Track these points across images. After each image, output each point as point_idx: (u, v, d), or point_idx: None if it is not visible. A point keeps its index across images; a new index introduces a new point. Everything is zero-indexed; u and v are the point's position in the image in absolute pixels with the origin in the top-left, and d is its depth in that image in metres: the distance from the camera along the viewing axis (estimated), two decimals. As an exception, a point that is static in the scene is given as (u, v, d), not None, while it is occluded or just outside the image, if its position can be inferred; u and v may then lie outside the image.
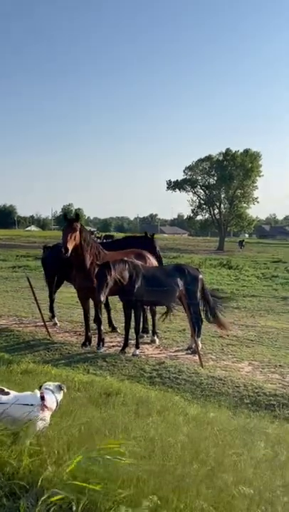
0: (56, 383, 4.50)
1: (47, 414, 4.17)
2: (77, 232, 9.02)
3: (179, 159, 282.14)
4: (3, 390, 4.29)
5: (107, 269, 8.42)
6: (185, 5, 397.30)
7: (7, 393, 4.24)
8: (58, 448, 3.84)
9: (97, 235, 66.46)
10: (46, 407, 4.17)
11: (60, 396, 4.39)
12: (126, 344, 9.26)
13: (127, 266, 8.79)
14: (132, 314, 9.30)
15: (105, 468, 3.40)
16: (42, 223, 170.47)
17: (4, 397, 4.16)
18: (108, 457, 3.62)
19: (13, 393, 4.28)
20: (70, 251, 8.84)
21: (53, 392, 4.32)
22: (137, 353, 9.06)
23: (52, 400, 4.26)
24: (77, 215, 9.48)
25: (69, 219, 9.18)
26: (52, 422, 4.21)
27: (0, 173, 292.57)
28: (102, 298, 8.51)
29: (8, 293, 16.60)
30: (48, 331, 10.39)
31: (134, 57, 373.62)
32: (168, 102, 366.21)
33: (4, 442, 3.71)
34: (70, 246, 8.85)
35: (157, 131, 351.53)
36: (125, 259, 8.99)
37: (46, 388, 4.33)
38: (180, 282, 9.12)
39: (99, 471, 3.33)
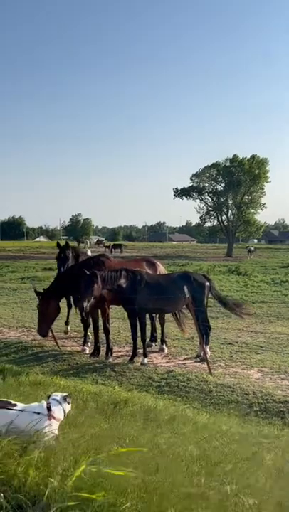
0: (63, 394, 4.49)
1: (54, 425, 4.16)
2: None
3: (186, 167, 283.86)
4: (10, 402, 4.30)
5: (94, 278, 8.44)
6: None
7: (14, 405, 4.24)
8: (64, 460, 3.83)
9: (106, 244, 66.83)
10: (53, 417, 4.16)
11: (67, 406, 4.38)
12: (134, 353, 9.24)
13: (123, 275, 8.80)
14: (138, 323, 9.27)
15: (111, 479, 3.39)
16: (51, 234, 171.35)
17: (12, 410, 4.16)
18: (114, 468, 3.62)
19: (20, 405, 4.28)
20: None
21: (59, 402, 4.31)
22: (145, 361, 9.04)
23: (59, 410, 4.26)
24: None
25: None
26: (59, 433, 4.21)
27: (8, 185, 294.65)
28: (85, 305, 8.52)
29: (17, 304, 16.64)
30: (56, 342, 10.41)
31: (134, 61, 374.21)
32: (175, 106, 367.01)
33: (11, 454, 3.70)
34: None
35: (165, 138, 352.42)
36: (124, 267, 9.06)
37: (53, 399, 4.33)
38: (186, 290, 9.07)
39: (104, 483, 3.32)
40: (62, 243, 10.88)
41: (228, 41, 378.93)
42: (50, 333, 10.26)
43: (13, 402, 4.33)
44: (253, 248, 58.11)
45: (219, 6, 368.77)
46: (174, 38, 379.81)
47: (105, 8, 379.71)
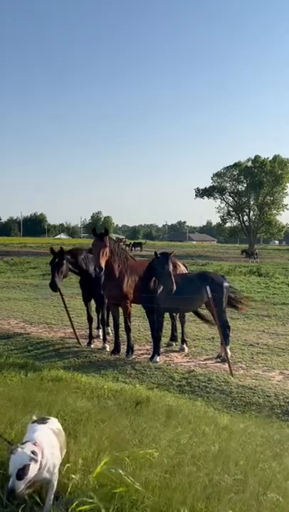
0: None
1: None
2: (108, 247, 8.88)
3: (206, 166, 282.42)
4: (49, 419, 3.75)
5: (169, 258, 8.70)
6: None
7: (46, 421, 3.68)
8: (87, 456, 3.86)
9: (126, 243, 66.97)
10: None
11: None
12: (156, 352, 9.22)
13: None
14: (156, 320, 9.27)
15: (133, 475, 3.40)
16: (71, 231, 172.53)
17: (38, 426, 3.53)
18: (136, 465, 3.63)
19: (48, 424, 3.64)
20: (103, 268, 8.76)
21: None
22: (158, 360, 9.05)
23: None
24: (106, 230, 9.22)
25: (99, 234, 8.97)
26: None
27: (31, 182, 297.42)
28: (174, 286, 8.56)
29: (39, 300, 16.78)
30: (77, 338, 10.47)
31: (136, 61, 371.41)
32: (193, 108, 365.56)
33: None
34: (103, 263, 8.75)
35: (184, 139, 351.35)
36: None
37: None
38: (204, 290, 8.92)
39: (126, 479, 3.33)
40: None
41: (229, 42, 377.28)
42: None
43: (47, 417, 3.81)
44: (256, 251, 51.88)
45: (219, 7, 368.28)
46: (174, 38, 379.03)
47: (105, 8, 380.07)
